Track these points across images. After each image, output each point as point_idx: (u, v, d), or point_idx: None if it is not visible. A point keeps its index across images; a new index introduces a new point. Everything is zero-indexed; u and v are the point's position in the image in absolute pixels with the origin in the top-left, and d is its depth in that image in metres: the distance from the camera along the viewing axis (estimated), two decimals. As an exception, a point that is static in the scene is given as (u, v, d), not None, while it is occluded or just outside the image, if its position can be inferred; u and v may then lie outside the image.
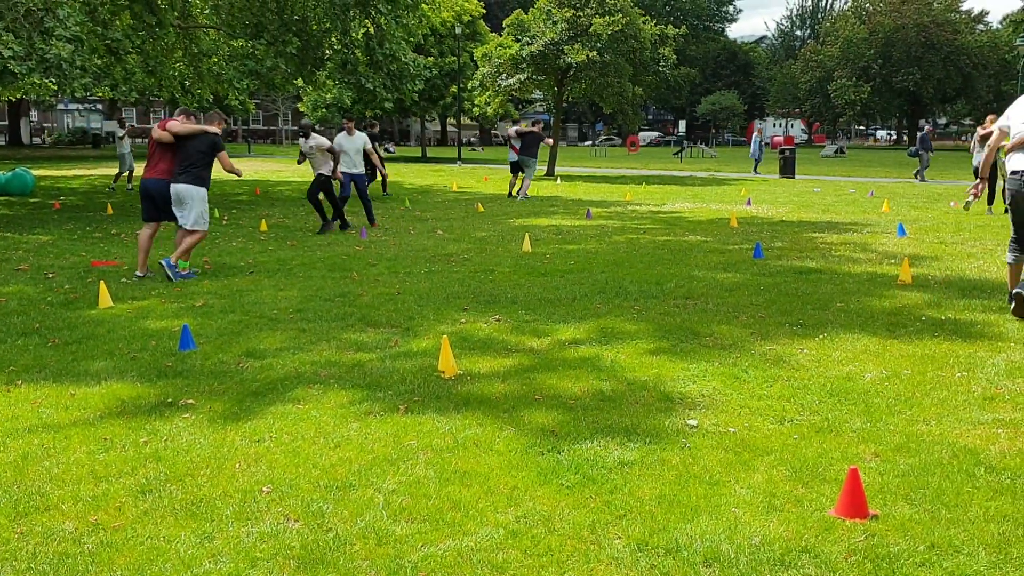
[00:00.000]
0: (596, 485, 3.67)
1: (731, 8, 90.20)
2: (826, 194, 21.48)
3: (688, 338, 6.19)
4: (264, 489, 3.66)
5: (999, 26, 76.43)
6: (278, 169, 34.20)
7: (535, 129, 19.36)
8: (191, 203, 9.01)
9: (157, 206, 9.22)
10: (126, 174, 23.15)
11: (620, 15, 25.94)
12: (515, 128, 19.43)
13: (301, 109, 53.12)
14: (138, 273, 9.06)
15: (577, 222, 14.45)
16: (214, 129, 9.25)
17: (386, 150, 59.07)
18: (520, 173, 19.56)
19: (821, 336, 6.25)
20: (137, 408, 4.75)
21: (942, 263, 9.66)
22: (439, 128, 76.44)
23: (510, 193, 19.99)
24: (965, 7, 75.57)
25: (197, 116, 9.63)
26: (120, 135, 22.92)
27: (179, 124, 9.12)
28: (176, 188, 8.98)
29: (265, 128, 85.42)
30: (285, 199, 20.02)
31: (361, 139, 13.66)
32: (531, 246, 11.05)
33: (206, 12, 21.73)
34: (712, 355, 5.71)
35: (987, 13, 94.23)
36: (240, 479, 3.77)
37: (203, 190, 9.11)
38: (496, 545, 3.15)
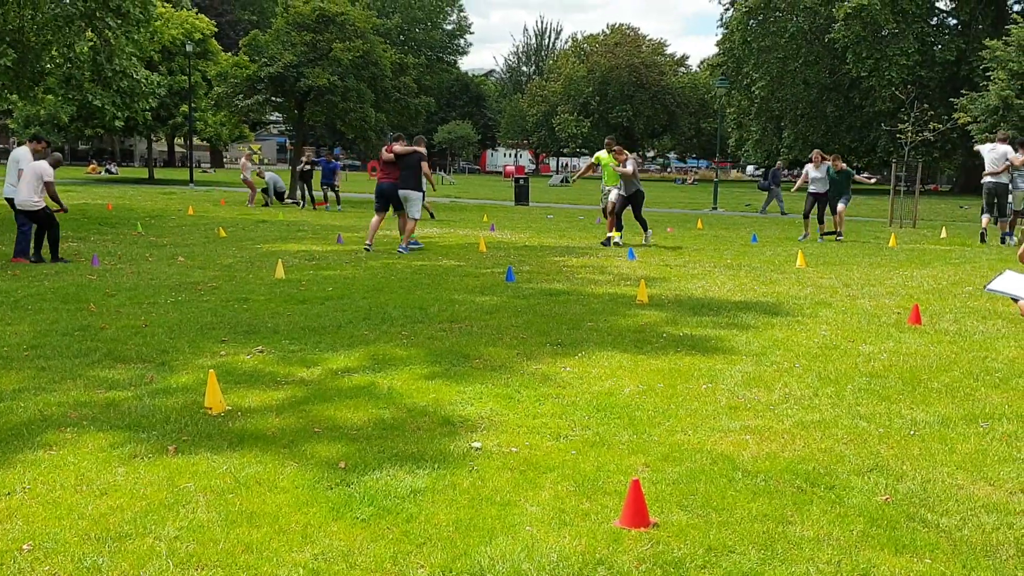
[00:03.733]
0: (391, 516, 3.65)
1: (462, 41, 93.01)
2: (559, 220, 22.70)
3: (459, 361, 6.31)
4: (24, 547, 3.29)
5: (697, 69, 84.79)
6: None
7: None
8: (414, 202, 13.56)
9: (387, 200, 13.72)
10: None
11: (361, 41, 25.98)
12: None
13: (11, 125, 48.21)
14: (367, 245, 13.50)
15: (329, 247, 14.26)
16: (421, 149, 13.65)
17: (108, 171, 54.97)
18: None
19: (579, 354, 6.60)
20: None
21: (671, 284, 10.52)
22: (166, 148, 72.36)
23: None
24: (669, 51, 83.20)
25: (407, 140, 13.99)
26: None
27: (400, 147, 13.52)
28: (404, 192, 13.51)
29: (-40, 145, 76.56)
30: (-6, 224, 18.07)
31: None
32: (284, 272, 10.76)
33: None
34: (484, 377, 5.86)
35: (688, 57, 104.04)
36: (-7, 539, 3.37)
37: (421, 192, 13.70)
38: (299, 585, 3.04)
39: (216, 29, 47.03)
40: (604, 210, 15.94)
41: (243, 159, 28.45)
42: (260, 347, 6.74)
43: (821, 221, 17.20)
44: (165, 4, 34.09)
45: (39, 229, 12.10)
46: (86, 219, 18.79)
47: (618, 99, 76.73)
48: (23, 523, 3.52)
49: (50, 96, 20.75)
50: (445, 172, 64.09)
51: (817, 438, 4.75)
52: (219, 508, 3.69)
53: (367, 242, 13.85)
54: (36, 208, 11.85)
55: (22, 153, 12.31)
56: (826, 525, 3.61)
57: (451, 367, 6.15)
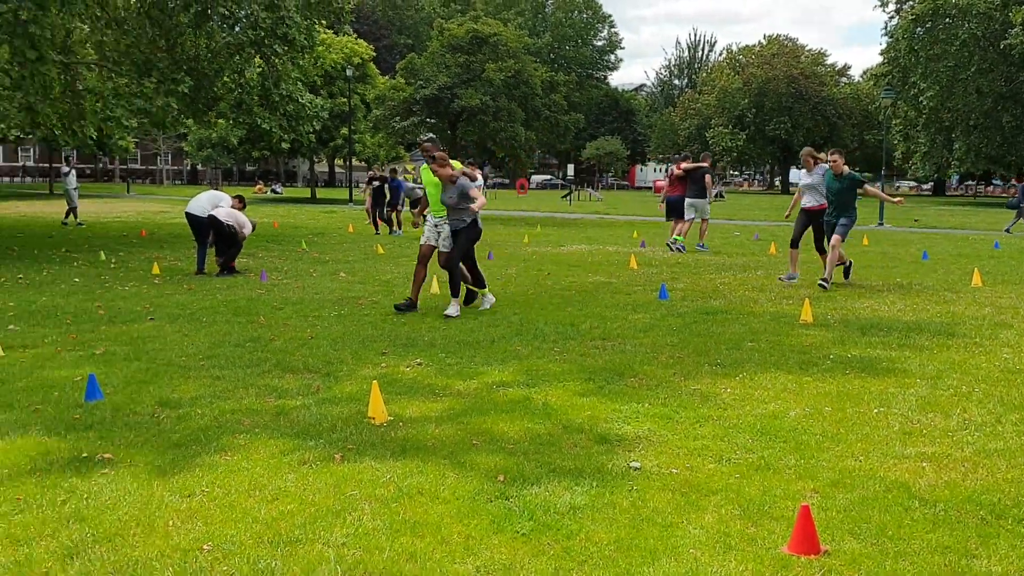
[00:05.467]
0: (551, 531, 3.62)
1: (613, 57, 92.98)
2: (713, 236, 22.21)
3: (613, 379, 6.23)
4: (204, 548, 3.46)
5: (860, 79, 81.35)
6: (162, 210, 33.09)
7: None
8: (701, 206, 16.69)
9: (674, 210, 16.81)
10: (73, 208, 23.52)
11: (513, 61, 26.40)
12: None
13: (186, 148, 51.76)
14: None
15: (480, 264, 14.45)
16: (705, 164, 16.58)
17: (273, 191, 58.01)
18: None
19: (740, 375, 6.40)
20: (49, 465, 4.44)
21: (836, 303, 10.08)
22: (327, 169, 75.72)
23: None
24: (830, 61, 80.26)
25: (695, 157, 16.45)
26: (65, 172, 23.64)
27: (688, 164, 16.59)
28: (692, 200, 16.49)
29: (144, 168, 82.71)
30: (174, 241, 19.34)
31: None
32: (439, 288, 10.98)
33: (88, 47, 20.98)
34: (640, 396, 5.77)
35: (850, 67, 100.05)
36: (176, 537, 3.56)
37: (705, 200, 16.71)
38: (462, 597, 3.06)
39: (374, 53, 48.93)
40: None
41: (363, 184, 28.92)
42: (419, 360, 6.88)
43: (821, 250, 11.89)
44: (327, 31, 35.71)
45: (217, 243, 12.81)
46: (255, 236, 19.82)
47: (775, 111, 74.65)
48: (203, 524, 3.70)
49: (221, 120, 22.07)
50: (592, 188, 64.07)
51: (1002, 467, 4.41)
52: (384, 516, 3.77)
53: (675, 241, 16.43)
54: (225, 222, 12.58)
55: (226, 200, 13.11)
56: (1016, 560, 3.34)
57: (605, 384, 6.08)
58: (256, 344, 7.58)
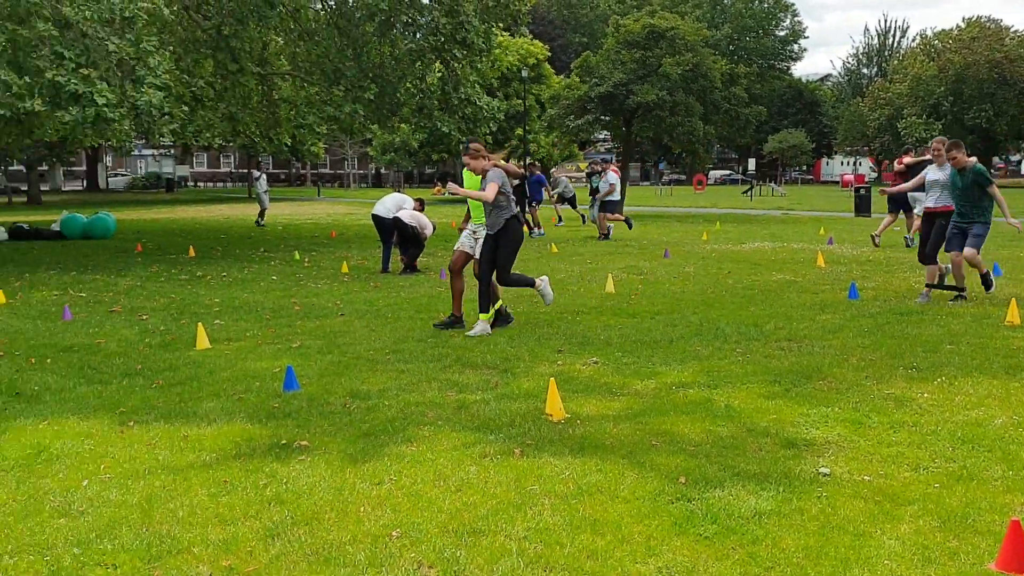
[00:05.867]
0: (736, 535, 3.52)
1: (796, 47, 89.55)
2: (905, 232, 20.95)
3: (800, 381, 6.00)
4: (393, 534, 3.59)
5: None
6: (350, 212, 34.72)
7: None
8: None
9: (899, 205, 15.49)
10: (264, 211, 25.34)
11: (691, 54, 25.92)
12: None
13: (370, 153, 54.05)
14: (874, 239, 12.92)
15: (656, 262, 14.31)
16: (928, 157, 12.42)
17: (451, 193, 59.61)
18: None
19: (938, 379, 6.00)
20: (252, 450, 4.75)
21: (1047, 303, 9.27)
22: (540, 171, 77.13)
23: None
24: (1038, 42, 73.94)
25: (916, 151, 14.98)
26: (256, 176, 25.67)
27: (910, 159, 15.22)
28: (915, 195, 13.82)
29: (332, 172, 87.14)
30: (360, 241, 20.25)
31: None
32: (614, 286, 10.94)
33: (281, 59, 22.30)
34: (829, 399, 5.52)
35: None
36: (367, 523, 3.71)
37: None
38: (643, 598, 3.02)
39: (549, 53, 49.36)
40: None
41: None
42: (595, 358, 6.88)
43: (931, 259, 9.72)
44: (503, 33, 36.34)
45: (401, 243, 13.32)
46: (434, 236, 20.44)
47: (975, 98, 69.48)
48: (391, 512, 3.84)
49: (404, 125, 22.86)
50: (775, 183, 61.98)
51: None
52: (564, 513, 3.79)
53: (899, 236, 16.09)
54: (408, 224, 13.07)
55: (409, 202, 13.64)
56: None
57: (792, 387, 5.86)
58: (437, 340, 7.81)
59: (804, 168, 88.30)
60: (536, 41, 49.05)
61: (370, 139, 49.33)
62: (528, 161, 26.32)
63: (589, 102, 27.25)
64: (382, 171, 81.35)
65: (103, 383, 6.36)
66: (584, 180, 22.00)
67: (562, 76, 40.58)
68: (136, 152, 73.56)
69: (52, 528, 3.73)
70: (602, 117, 28.75)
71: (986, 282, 9.59)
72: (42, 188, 48.12)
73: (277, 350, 7.50)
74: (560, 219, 24.38)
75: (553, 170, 44.30)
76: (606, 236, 19.11)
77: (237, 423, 5.28)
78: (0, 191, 52.62)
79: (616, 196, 19.43)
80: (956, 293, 9.48)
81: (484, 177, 7.96)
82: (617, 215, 19.66)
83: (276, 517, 3.81)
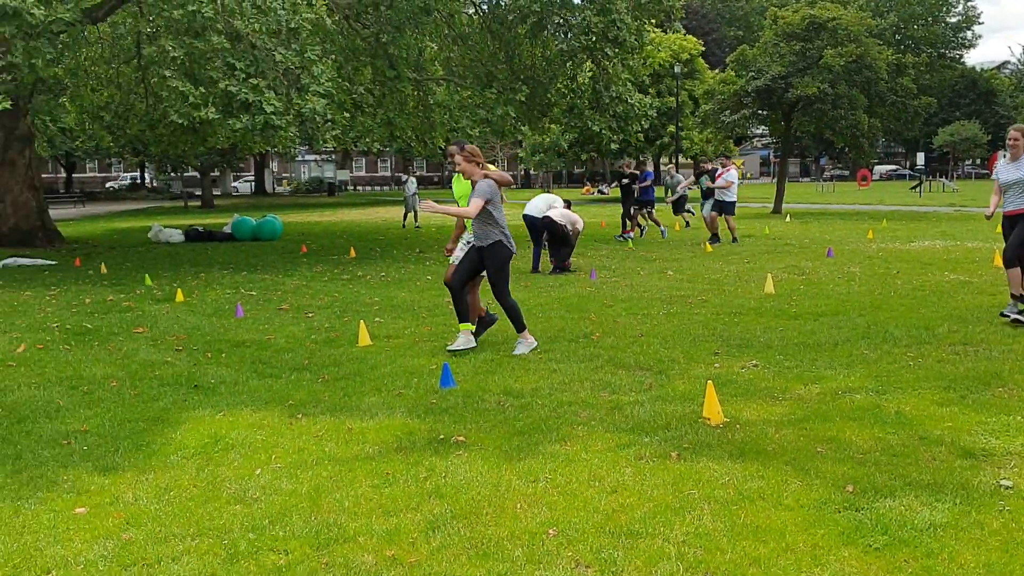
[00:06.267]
0: (908, 548, 3.34)
1: (970, 34, 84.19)
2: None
3: (977, 388, 5.63)
4: (550, 532, 3.60)
5: None
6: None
7: None
8: None
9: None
10: (411, 215, 26.02)
11: (854, 45, 24.81)
12: None
13: (520, 154, 54.61)
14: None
15: (819, 262, 13.77)
16: None
17: (600, 191, 59.48)
18: None
19: None
20: (412, 444, 4.88)
21: None
22: (652, 168, 76.30)
23: None
24: None
25: None
26: (404, 180, 26.60)
27: None
28: None
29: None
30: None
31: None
32: (774, 287, 10.60)
33: (435, 65, 22.85)
34: (1011, 407, 5.16)
35: None
36: (523, 520, 3.74)
37: None
38: (810, 610, 2.91)
39: (703, 48, 48.43)
40: None
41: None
42: (754, 361, 6.68)
43: (1011, 262, 8.06)
44: (655, 30, 35.95)
45: (550, 243, 13.39)
46: (583, 236, 20.43)
47: None
48: (547, 510, 3.85)
49: (554, 125, 22.95)
50: (947, 178, 58.57)
51: None
52: (724, 518, 3.69)
53: None
54: (559, 223, 13.14)
55: (559, 202, 13.77)
56: None
57: (968, 394, 5.50)
58: (588, 340, 7.79)
59: (978, 162, 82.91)
60: (689, 36, 48.21)
61: (520, 140, 49.87)
62: (639, 159, 25.56)
63: (745, 96, 26.54)
64: (531, 172, 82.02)
65: (273, 377, 6.69)
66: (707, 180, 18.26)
67: (716, 71, 39.73)
68: (300, 157, 77.15)
69: (229, 513, 3.94)
70: (759, 112, 27.93)
71: None
72: (214, 192, 51.24)
73: (433, 347, 7.67)
74: (687, 223, 23.22)
75: (665, 168, 42.89)
76: (715, 237, 17.36)
77: (397, 417, 5.44)
78: (176, 196, 56.41)
79: (732, 196, 17.17)
80: None
81: (474, 187, 7.26)
82: (729, 217, 17.37)
83: (436, 510, 3.89)
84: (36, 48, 13.50)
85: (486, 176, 7.27)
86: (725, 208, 17.33)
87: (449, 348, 7.41)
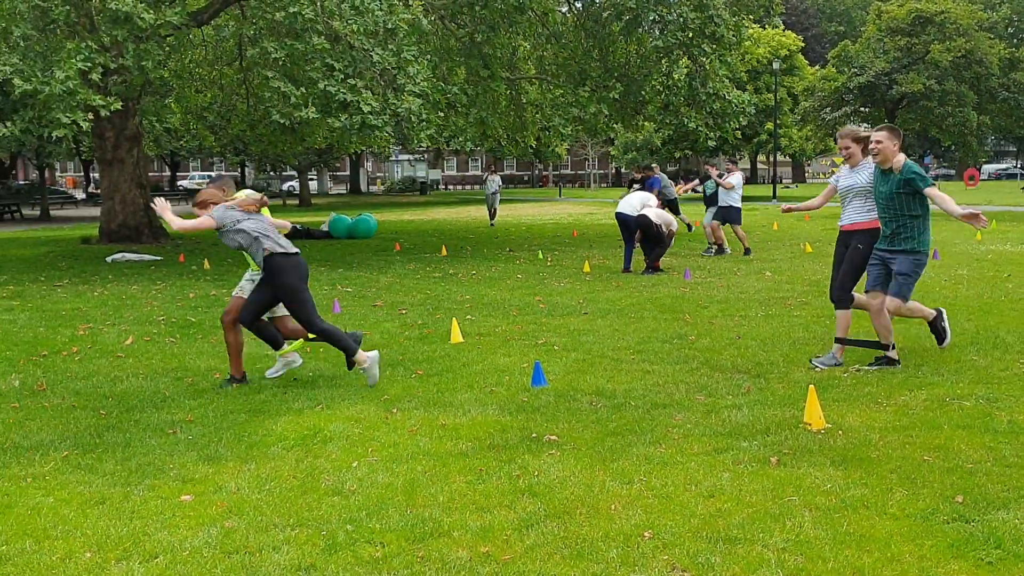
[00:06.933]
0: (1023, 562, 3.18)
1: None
2: None
3: (1099, 398, 5.34)
4: (645, 534, 3.56)
5: None
6: (590, 211, 35.06)
7: None
8: None
9: None
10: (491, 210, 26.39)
11: (963, 39, 23.87)
12: None
13: (612, 152, 54.31)
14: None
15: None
16: None
17: (693, 190, 58.68)
18: None
19: None
20: (504, 441, 4.89)
21: None
22: (749, 166, 74.84)
23: None
24: None
25: None
26: (485, 177, 26.75)
27: None
28: None
29: (573, 172, 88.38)
30: (601, 240, 20.37)
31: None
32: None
33: (528, 63, 22.89)
34: None
35: None
36: (618, 522, 3.70)
37: None
38: (919, 625, 2.79)
39: (803, 44, 47.30)
40: None
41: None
42: (856, 365, 6.47)
43: (841, 299, 6.82)
44: (754, 25, 35.26)
45: (644, 242, 13.25)
46: (677, 235, 20.19)
47: None
48: (642, 512, 3.81)
49: (648, 123, 22.72)
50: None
51: None
52: (825, 526, 3.59)
53: None
54: (654, 222, 13.01)
55: (653, 200, 13.61)
56: None
57: (1089, 403, 5.22)
58: (683, 341, 7.68)
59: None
60: (788, 32, 47.11)
61: (612, 138, 49.54)
62: (645, 163, 24.63)
63: (847, 93, 25.89)
64: (623, 170, 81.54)
65: (368, 372, 6.79)
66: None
67: (817, 67, 38.78)
68: (393, 157, 78.39)
69: (327, 505, 4.02)
70: (861, 109, 27.18)
71: (938, 334, 6.82)
72: (311, 191, 52.53)
73: (524, 346, 7.68)
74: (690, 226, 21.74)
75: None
76: (720, 249, 15.65)
77: (490, 414, 5.46)
78: (275, 194, 58.02)
79: (738, 203, 15.31)
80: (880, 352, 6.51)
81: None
82: (737, 226, 15.52)
83: (530, 508, 3.89)
84: (146, 51, 14.05)
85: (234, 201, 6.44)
86: (731, 216, 15.43)
87: (268, 374, 6.59)
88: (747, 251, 15.45)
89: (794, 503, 3.85)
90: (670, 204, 20.60)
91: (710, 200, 16.07)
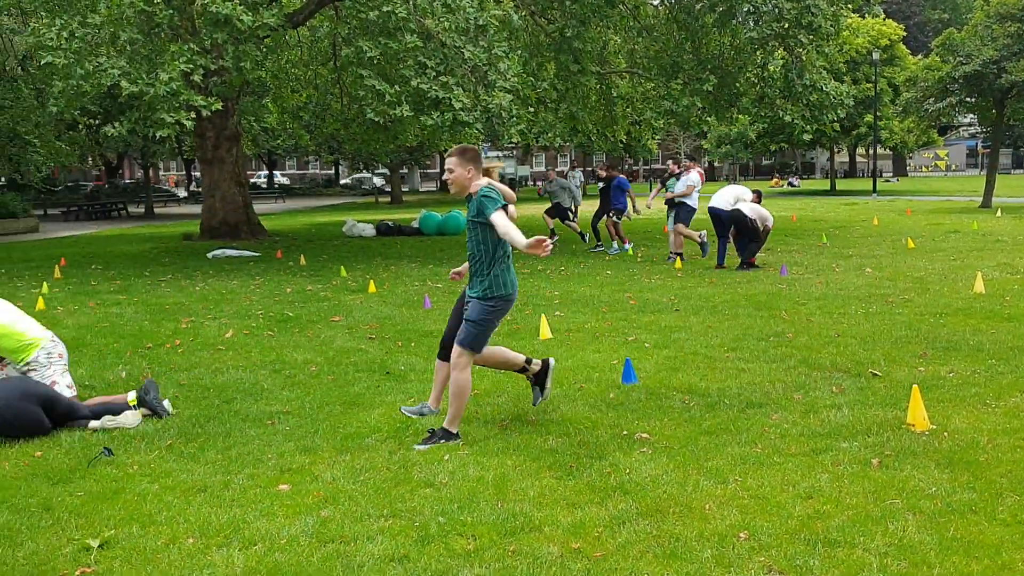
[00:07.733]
0: None
1: None
2: None
3: None
4: (741, 535, 3.48)
5: None
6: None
7: None
8: None
9: None
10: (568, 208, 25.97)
11: (1080, 24, 22.65)
12: None
13: (704, 146, 53.46)
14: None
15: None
16: None
17: (790, 184, 57.33)
18: None
19: None
20: (594, 438, 4.85)
21: None
22: (847, 159, 72.66)
23: None
24: None
25: None
26: (563, 172, 26.63)
27: None
28: None
29: (663, 167, 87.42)
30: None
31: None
32: (984, 286, 9.83)
33: (619, 57, 22.69)
34: None
35: None
36: (713, 522, 3.63)
37: None
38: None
39: (904, 33, 45.65)
40: None
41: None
42: (964, 366, 6.21)
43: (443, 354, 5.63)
44: (853, 14, 34.17)
45: (738, 238, 12.99)
46: (773, 231, 19.74)
47: None
48: (738, 512, 3.72)
49: (742, 116, 22.28)
50: None
51: None
52: (931, 531, 3.45)
53: None
54: (748, 217, 12.74)
55: (748, 194, 13.26)
56: None
57: None
58: (779, 339, 7.50)
59: None
60: (889, 20, 45.54)
61: (705, 132, 48.80)
62: (608, 162, 23.36)
63: (952, 83, 24.78)
64: (715, 164, 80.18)
65: (459, 366, 6.83)
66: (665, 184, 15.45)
67: (919, 56, 37.38)
68: (483, 154, 78.84)
69: (419, 496, 4.06)
70: (967, 99, 26.01)
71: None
72: (402, 189, 53.25)
73: (613, 342, 7.62)
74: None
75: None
76: (678, 255, 14.13)
77: (580, 410, 5.43)
78: (368, 192, 59.03)
79: (692, 202, 14.32)
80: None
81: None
82: (690, 231, 14.49)
83: (621, 506, 3.85)
84: (244, 52, 14.45)
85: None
86: (681, 214, 14.41)
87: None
88: (674, 256, 14.11)
89: (897, 506, 3.71)
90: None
91: (672, 203, 14.78)
